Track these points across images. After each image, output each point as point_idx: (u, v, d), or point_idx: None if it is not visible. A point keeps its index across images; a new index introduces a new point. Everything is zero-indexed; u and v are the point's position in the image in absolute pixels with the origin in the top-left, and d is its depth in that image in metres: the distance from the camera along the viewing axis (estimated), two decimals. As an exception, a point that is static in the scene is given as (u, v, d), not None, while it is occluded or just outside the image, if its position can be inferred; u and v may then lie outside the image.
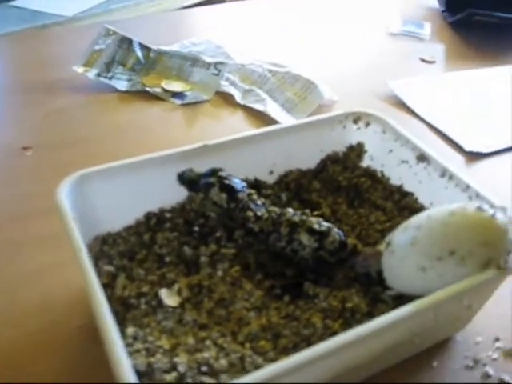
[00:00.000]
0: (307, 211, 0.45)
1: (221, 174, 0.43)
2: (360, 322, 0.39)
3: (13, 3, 1.62)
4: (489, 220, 0.36)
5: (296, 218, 0.43)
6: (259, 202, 0.44)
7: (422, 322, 0.37)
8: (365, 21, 1.08)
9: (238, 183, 0.44)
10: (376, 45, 0.99)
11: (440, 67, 0.91)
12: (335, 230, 0.43)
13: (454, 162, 0.48)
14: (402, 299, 0.40)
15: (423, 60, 0.92)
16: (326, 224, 0.43)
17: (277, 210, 0.44)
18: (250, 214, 0.43)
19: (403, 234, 0.39)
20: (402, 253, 0.39)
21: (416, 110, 0.76)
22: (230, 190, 0.43)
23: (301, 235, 0.42)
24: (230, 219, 0.44)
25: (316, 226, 0.43)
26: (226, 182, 0.43)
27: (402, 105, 0.78)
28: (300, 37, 1.00)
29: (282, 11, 1.11)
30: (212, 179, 0.43)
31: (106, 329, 0.32)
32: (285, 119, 0.71)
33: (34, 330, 0.44)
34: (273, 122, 0.71)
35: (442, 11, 1.09)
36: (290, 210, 0.44)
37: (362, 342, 0.33)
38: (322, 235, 0.42)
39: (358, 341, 0.32)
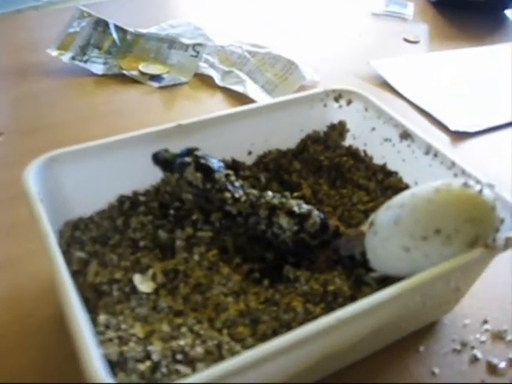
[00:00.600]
0: (287, 193, 0.43)
1: (197, 153, 0.41)
2: (343, 305, 0.37)
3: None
4: (475, 196, 0.35)
5: (275, 201, 0.41)
6: (237, 184, 0.42)
7: (408, 305, 0.36)
8: (347, 1, 1.06)
9: (214, 163, 0.42)
10: (359, 25, 0.97)
11: (424, 47, 0.90)
12: (316, 212, 0.41)
13: (439, 141, 0.46)
14: (386, 281, 0.39)
15: (407, 40, 0.91)
16: (306, 206, 0.41)
17: (255, 192, 0.42)
18: (228, 195, 0.41)
19: (386, 214, 0.38)
20: (385, 233, 0.37)
21: (399, 90, 0.74)
22: (206, 170, 0.41)
23: (280, 218, 0.41)
24: (207, 201, 0.42)
25: (296, 209, 0.41)
26: (202, 161, 0.41)
27: (385, 85, 0.76)
28: (281, 18, 0.98)
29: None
30: (187, 159, 0.41)
31: (73, 317, 0.30)
32: (265, 101, 0.69)
33: (3, 322, 0.42)
34: (253, 103, 0.69)
35: (426, -9, 1.07)
36: (270, 192, 0.42)
37: (344, 325, 0.31)
38: (302, 218, 0.41)
39: (339, 325, 0.31)
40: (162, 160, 0.42)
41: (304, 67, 0.74)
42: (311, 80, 0.73)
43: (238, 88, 0.71)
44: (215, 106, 0.70)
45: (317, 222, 0.41)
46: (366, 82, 0.76)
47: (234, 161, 0.48)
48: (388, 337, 0.40)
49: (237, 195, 0.41)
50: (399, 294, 0.32)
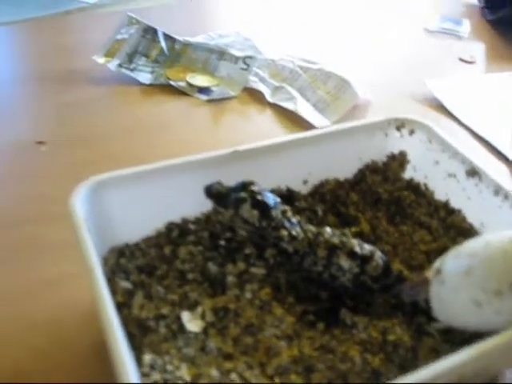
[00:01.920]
0: (346, 231, 0.41)
1: (253, 188, 0.39)
2: (403, 357, 0.35)
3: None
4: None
5: (335, 240, 0.39)
6: (294, 220, 0.40)
7: (479, 365, 0.33)
8: (401, 17, 1.03)
9: (271, 199, 0.39)
10: (412, 42, 0.93)
11: (480, 68, 0.86)
12: (378, 253, 0.39)
13: (496, 171, 0.43)
14: (449, 333, 0.36)
15: (462, 60, 0.87)
16: (368, 247, 0.39)
17: (313, 229, 0.40)
18: (284, 233, 0.39)
19: (455, 262, 0.35)
20: (453, 283, 0.34)
21: (456, 115, 0.71)
22: (263, 207, 0.39)
23: (340, 259, 0.38)
24: (262, 237, 0.40)
25: (357, 249, 0.38)
26: (259, 197, 0.39)
27: (440, 107, 0.73)
28: (333, 31, 0.95)
29: (315, 4, 1.07)
30: (243, 194, 0.39)
31: (119, 358, 0.29)
32: (317, 120, 0.66)
33: (41, 347, 0.40)
34: (304, 122, 0.66)
35: (482, 8, 1.04)
36: (328, 229, 0.40)
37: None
38: (363, 259, 0.38)
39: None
40: (215, 193, 0.40)
41: (357, 85, 0.71)
42: (364, 99, 0.70)
43: (289, 105, 0.69)
44: (265, 124, 0.67)
45: (379, 265, 0.38)
46: (420, 104, 0.73)
47: (289, 190, 0.46)
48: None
49: (294, 233, 0.39)
50: (475, 358, 0.30)
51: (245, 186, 0.39)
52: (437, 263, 0.36)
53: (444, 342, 0.36)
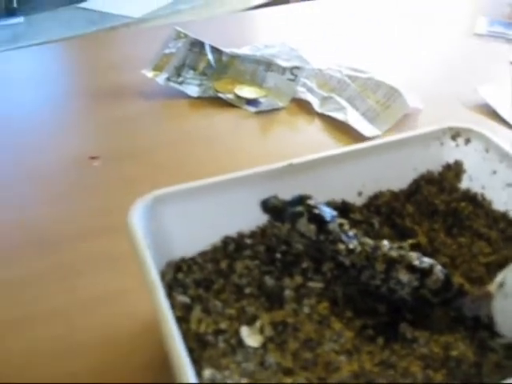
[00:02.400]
0: (405, 244, 0.40)
1: (309, 202, 0.39)
2: (466, 373, 0.34)
3: (80, 5, 1.62)
4: None
5: (393, 253, 0.38)
6: (351, 233, 0.39)
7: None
8: (448, 21, 1.02)
9: (327, 212, 0.39)
10: (460, 47, 0.92)
11: (532, 72, 0.84)
12: (438, 267, 0.38)
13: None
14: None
15: (513, 64, 0.85)
16: (427, 260, 0.38)
17: (371, 242, 0.39)
18: (342, 246, 0.38)
19: None
20: None
21: (510, 121, 0.69)
22: (320, 221, 0.38)
23: (399, 273, 0.37)
24: (319, 251, 0.39)
25: (417, 263, 0.38)
26: (316, 211, 0.38)
27: (492, 113, 0.71)
28: (379, 39, 0.94)
29: (359, 12, 1.06)
30: (299, 208, 0.39)
31: (184, 376, 0.29)
32: (367, 129, 0.66)
33: (95, 365, 0.41)
34: (353, 131, 0.66)
35: (531, 10, 1.02)
36: (386, 242, 0.39)
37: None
38: (423, 273, 0.37)
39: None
40: (272, 208, 0.40)
41: (407, 94, 0.70)
42: (415, 108, 0.70)
43: (339, 115, 0.69)
44: (314, 134, 0.67)
45: (440, 279, 0.38)
46: (472, 111, 0.72)
47: (344, 202, 0.45)
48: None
49: (351, 246, 0.38)
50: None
51: (301, 200, 0.39)
52: (499, 276, 0.36)
53: (509, 357, 0.35)
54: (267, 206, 0.40)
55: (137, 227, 0.37)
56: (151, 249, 0.36)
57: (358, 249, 0.39)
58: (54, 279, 0.47)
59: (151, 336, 0.42)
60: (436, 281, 0.37)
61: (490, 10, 1.04)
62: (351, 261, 0.38)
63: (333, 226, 0.39)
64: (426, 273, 0.38)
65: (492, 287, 0.36)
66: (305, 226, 0.38)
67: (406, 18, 1.03)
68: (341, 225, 0.39)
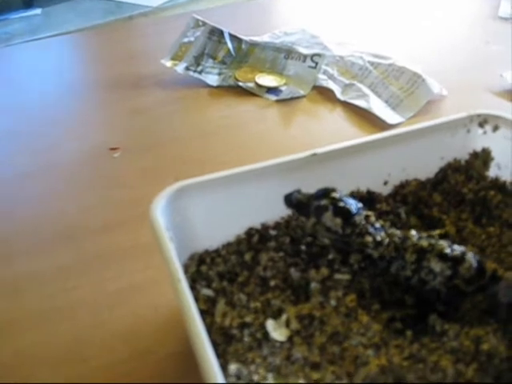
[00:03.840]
0: (434, 233, 0.39)
1: (334, 195, 0.38)
2: (498, 368, 0.33)
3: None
4: None
5: (424, 242, 0.37)
6: (378, 225, 0.38)
7: None
8: (471, 4, 1.00)
9: (353, 205, 0.38)
10: (485, 31, 0.90)
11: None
12: (470, 254, 0.37)
13: None
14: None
15: (539, 48, 0.83)
16: (458, 248, 0.37)
17: (398, 233, 0.38)
18: (369, 239, 0.37)
19: None
20: None
21: (537, 107, 0.68)
22: (346, 214, 0.37)
23: (431, 262, 0.37)
24: (346, 244, 0.38)
25: (448, 251, 0.37)
26: (341, 204, 0.38)
27: (519, 100, 0.70)
28: (400, 24, 0.93)
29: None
30: (324, 201, 0.38)
31: (210, 371, 0.28)
32: (390, 117, 0.65)
33: (124, 358, 0.40)
34: (376, 119, 0.65)
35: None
36: (414, 232, 0.38)
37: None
38: (455, 261, 0.37)
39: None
40: (296, 202, 0.39)
41: (431, 80, 0.69)
42: (439, 94, 0.68)
43: (361, 103, 0.68)
44: (337, 122, 0.66)
45: (472, 266, 0.37)
46: (498, 97, 0.70)
47: (369, 192, 0.45)
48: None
49: (379, 238, 0.38)
50: None
51: (326, 193, 0.38)
52: None
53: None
54: (291, 200, 0.39)
55: (159, 219, 0.36)
56: (174, 241, 0.35)
57: (386, 240, 0.38)
58: (80, 271, 0.47)
59: (176, 327, 0.42)
60: (469, 268, 0.36)
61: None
62: (380, 253, 0.38)
63: (359, 219, 0.38)
64: (458, 261, 0.37)
65: None
66: (330, 220, 0.37)
67: (429, 2, 1.01)
68: (367, 217, 0.38)
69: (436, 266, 0.37)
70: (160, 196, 0.38)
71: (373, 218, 0.39)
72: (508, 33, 0.89)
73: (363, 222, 0.38)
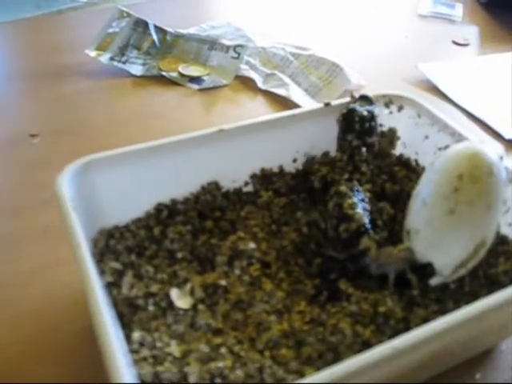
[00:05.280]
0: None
1: None
2: (394, 328, 0.35)
3: (27, -11, 1.59)
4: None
5: (343, 188, 0.39)
6: None
7: (464, 332, 0.32)
8: (393, 2, 1.03)
9: None
10: (405, 27, 0.93)
11: (473, 50, 0.86)
12: (364, 219, 0.38)
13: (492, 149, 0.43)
14: (441, 303, 0.36)
15: (455, 43, 0.87)
16: (360, 210, 0.39)
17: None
18: None
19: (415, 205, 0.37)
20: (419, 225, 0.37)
21: (450, 95, 0.71)
22: None
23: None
24: None
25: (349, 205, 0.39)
26: None
27: (434, 89, 0.73)
28: (324, 19, 0.95)
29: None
30: None
31: (105, 335, 0.28)
32: (308, 105, 0.66)
33: (33, 333, 0.40)
34: (296, 107, 0.66)
35: (475, -8, 1.03)
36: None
37: (399, 355, 0.28)
38: (345, 218, 0.38)
39: (394, 354, 0.28)
40: None
41: (349, 70, 0.71)
42: (356, 84, 0.70)
43: (281, 91, 0.69)
44: (256, 110, 0.67)
45: (351, 229, 0.38)
46: (414, 87, 0.73)
47: (281, 168, 0.46)
48: (442, 364, 0.37)
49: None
50: (459, 322, 0.29)
51: None
52: (405, 229, 0.38)
53: (435, 312, 0.35)
54: None
55: (64, 191, 0.36)
56: (82, 216, 0.35)
57: None
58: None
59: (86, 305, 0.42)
60: (347, 229, 0.38)
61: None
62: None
63: None
64: (347, 218, 0.38)
65: (403, 246, 0.37)
66: None
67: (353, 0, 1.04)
68: None
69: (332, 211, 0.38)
70: (67, 169, 0.38)
71: None
72: (426, 29, 0.92)
73: None
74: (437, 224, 0.36)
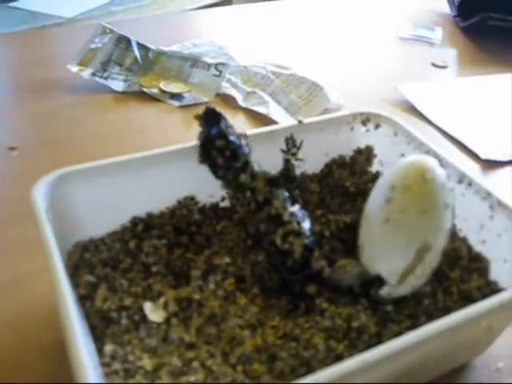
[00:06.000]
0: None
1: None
2: (367, 343, 0.35)
3: (12, 4, 1.59)
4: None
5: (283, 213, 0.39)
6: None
7: (437, 347, 0.33)
8: (374, 25, 1.04)
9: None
10: (385, 49, 0.95)
11: (452, 72, 0.87)
12: (305, 240, 0.39)
13: (469, 170, 0.43)
14: (415, 318, 0.36)
15: (434, 65, 0.88)
16: (296, 234, 0.39)
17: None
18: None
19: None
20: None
21: (428, 116, 0.72)
22: None
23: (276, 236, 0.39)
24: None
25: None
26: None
27: (412, 110, 0.73)
28: (307, 40, 0.96)
29: (289, 14, 1.08)
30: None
31: (75, 346, 0.28)
32: (288, 122, 0.66)
33: (5, 345, 0.40)
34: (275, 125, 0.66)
35: (454, 16, 1.05)
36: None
37: (369, 368, 0.28)
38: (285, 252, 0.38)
39: (365, 368, 0.28)
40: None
41: (329, 90, 0.71)
42: (336, 103, 0.71)
43: (261, 109, 0.69)
44: (237, 127, 0.67)
45: (297, 260, 0.38)
46: (393, 107, 0.74)
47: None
48: (416, 379, 0.37)
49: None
50: (429, 336, 0.30)
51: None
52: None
53: (407, 328, 0.36)
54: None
55: (39, 203, 0.36)
56: (57, 228, 0.35)
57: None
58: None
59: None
60: (294, 261, 0.38)
61: (416, 17, 1.07)
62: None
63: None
64: (287, 253, 0.38)
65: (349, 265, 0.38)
66: None
67: (334, 20, 1.05)
68: None
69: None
70: (42, 181, 0.38)
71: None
72: (406, 51, 0.93)
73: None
74: (375, 235, 0.38)
